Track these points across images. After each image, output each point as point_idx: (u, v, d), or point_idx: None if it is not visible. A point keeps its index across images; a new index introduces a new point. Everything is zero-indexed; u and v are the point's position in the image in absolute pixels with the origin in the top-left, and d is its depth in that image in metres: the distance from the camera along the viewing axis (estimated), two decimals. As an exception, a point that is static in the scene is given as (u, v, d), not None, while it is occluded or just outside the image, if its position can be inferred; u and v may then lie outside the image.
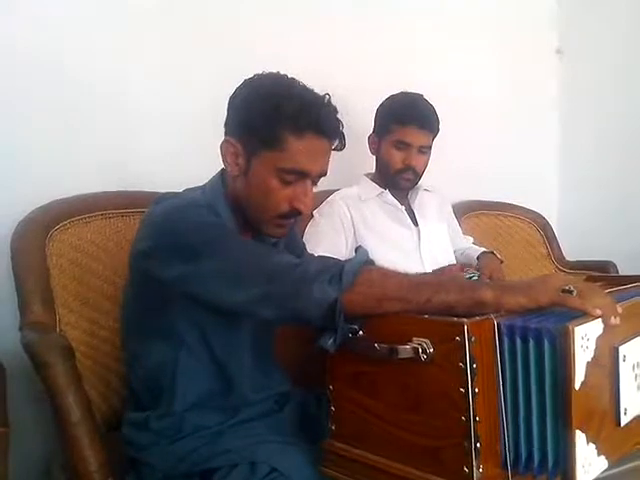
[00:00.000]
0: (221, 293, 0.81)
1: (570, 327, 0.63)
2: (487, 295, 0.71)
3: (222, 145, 0.91)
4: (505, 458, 0.68)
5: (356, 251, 0.83)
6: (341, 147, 0.92)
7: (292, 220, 0.93)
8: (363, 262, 0.80)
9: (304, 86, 0.89)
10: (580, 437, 0.64)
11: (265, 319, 0.82)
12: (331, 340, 0.76)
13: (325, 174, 0.92)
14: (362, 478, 0.77)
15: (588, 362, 0.65)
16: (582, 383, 0.64)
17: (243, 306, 0.80)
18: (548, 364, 0.65)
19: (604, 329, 0.67)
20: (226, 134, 0.91)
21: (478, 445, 0.65)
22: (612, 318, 0.68)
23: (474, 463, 0.65)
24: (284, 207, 0.89)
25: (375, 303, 0.75)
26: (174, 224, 0.84)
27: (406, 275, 0.79)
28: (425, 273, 1.13)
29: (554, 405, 0.65)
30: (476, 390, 0.66)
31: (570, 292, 0.68)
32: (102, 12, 1.29)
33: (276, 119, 0.85)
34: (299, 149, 0.86)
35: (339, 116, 0.90)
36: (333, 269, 0.77)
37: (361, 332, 0.75)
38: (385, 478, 0.74)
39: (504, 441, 0.68)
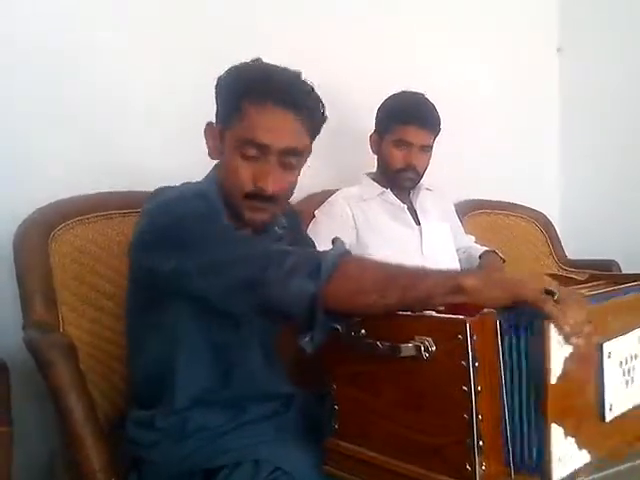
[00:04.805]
0: (199, 285, 0.79)
1: (545, 323, 0.63)
2: (467, 281, 0.68)
3: (204, 130, 0.91)
4: (508, 455, 0.68)
5: (333, 243, 0.81)
6: (318, 121, 0.89)
7: (268, 205, 0.88)
8: (341, 254, 0.77)
9: (279, 66, 0.88)
10: (556, 430, 0.65)
11: (241, 313, 0.81)
12: (307, 338, 0.74)
13: (293, 151, 0.87)
14: (365, 477, 0.77)
15: (566, 357, 0.65)
16: (559, 378, 0.65)
17: (218, 297, 0.78)
18: (528, 360, 0.66)
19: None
20: None
21: (481, 443, 0.66)
22: (573, 338, 0.66)
23: (477, 461, 0.65)
24: (248, 185, 0.86)
25: (353, 295, 0.73)
26: (162, 218, 0.84)
27: (384, 265, 0.77)
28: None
29: (535, 399, 0.66)
30: (478, 388, 0.66)
31: (552, 294, 0.66)
32: (100, 12, 1.29)
33: (237, 90, 0.85)
34: (257, 119, 0.84)
35: (308, 89, 0.87)
36: (311, 262, 0.75)
37: (363, 331, 0.75)
38: (388, 476, 0.75)
39: (506, 438, 0.68)
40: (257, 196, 0.86)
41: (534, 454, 0.66)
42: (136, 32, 1.33)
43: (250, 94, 0.84)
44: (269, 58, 0.91)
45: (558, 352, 0.65)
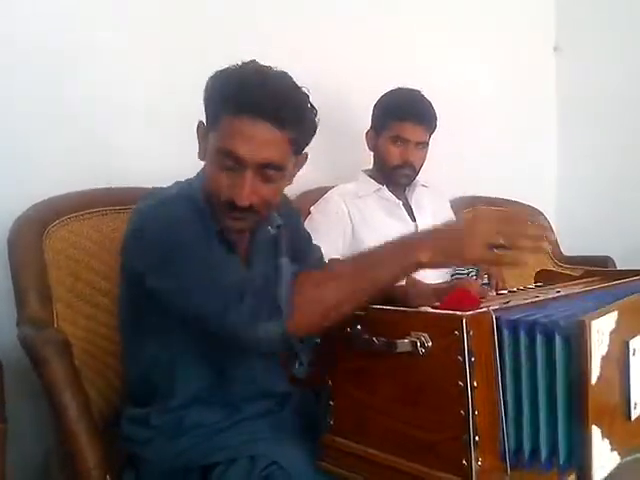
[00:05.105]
0: (176, 304, 0.80)
1: (586, 321, 0.62)
2: (422, 257, 0.74)
3: (196, 128, 0.89)
4: (504, 451, 0.67)
5: (276, 269, 0.78)
6: (304, 133, 0.85)
7: (246, 215, 0.85)
8: (292, 279, 0.76)
9: (268, 72, 0.84)
10: (596, 432, 0.63)
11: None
12: (297, 365, 0.77)
13: (272, 165, 0.83)
14: (361, 473, 0.77)
15: (603, 356, 0.64)
16: (597, 378, 0.63)
17: (193, 318, 0.79)
18: (560, 359, 0.64)
19: (616, 322, 0.66)
20: None
21: (477, 438, 0.65)
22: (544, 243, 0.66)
23: (473, 456, 0.65)
24: (224, 195, 0.83)
25: (322, 317, 0.75)
26: (152, 223, 0.83)
27: (338, 271, 0.79)
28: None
29: (567, 400, 0.64)
30: (475, 384, 0.65)
31: (503, 247, 0.68)
32: (100, 12, 1.29)
33: (218, 97, 0.83)
34: (233, 129, 0.80)
35: (294, 100, 0.82)
36: (267, 299, 0.73)
37: (359, 327, 0.75)
38: (384, 472, 0.74)
39: (503, 434, 0.67)
40: (234, 206, 0.83)
41: (560, 455, 0.65)
42: (136, 32, 1.33)
43: (229, 104, 0.80)
44: (269, 58, 0.89)
45: (597, 351, 0.63)
